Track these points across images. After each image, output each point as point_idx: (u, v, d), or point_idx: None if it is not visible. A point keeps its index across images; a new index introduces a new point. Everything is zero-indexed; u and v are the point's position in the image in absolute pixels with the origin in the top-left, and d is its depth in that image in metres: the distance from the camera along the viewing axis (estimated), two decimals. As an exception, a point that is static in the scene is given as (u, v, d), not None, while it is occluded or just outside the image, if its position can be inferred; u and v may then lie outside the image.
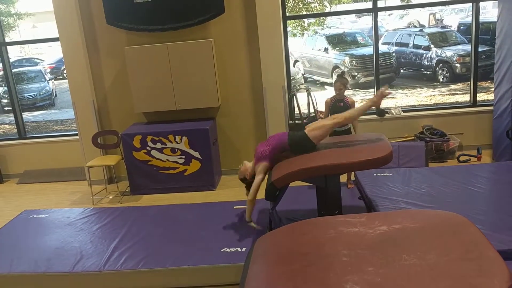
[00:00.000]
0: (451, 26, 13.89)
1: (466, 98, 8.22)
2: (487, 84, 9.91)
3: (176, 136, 5.91)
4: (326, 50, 12.03)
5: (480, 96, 7.95)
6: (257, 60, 6.10)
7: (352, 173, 5.33)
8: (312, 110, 6.43)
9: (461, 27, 12.33)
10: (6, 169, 7.19)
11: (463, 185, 4.74)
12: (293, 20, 11.99)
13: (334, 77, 11.44)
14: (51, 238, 4.59)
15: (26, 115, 12.20)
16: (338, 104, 5.19)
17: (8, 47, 7.27)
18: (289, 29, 6.53)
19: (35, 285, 3.96)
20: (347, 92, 5.31)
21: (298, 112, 6.47)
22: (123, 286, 3.88)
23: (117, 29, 6.16)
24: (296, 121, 6.41)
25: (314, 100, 6.41)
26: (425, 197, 4.48)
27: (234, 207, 4.96)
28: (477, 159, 6.08)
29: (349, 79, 11.16)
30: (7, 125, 12.11)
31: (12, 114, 7.36)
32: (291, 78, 6.74)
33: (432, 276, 2.09)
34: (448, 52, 10.87)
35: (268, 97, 6.13)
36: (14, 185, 6.98)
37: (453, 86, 10.83)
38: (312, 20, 12.66)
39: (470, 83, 6.60)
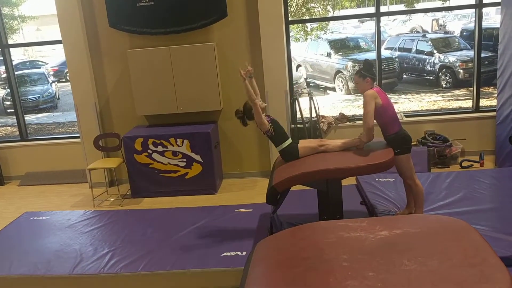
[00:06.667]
0: (454, 31, 13.89)
1: (469, 103, 8.19)
2: (490, 90, 9.88)
3: (178, 139, 5.90)
4: (328, 55, 12.04)
5: (483, 102, 7.93)
6: (259, 64, 6.09)
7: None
8: (314, 115, 6.42)
9: (464, 33, 12.33)
10: (8, 171, 7.19)
11: (466, 190, 4.72)
12: (296, 25, 12.02)
13: (337, 82, 11.50)
14: (51, 240, 4.58)
15: (29, 118, 12.23)
16: None
17: (12, 50, 7.28)
18: (292, 33, 6.56)
19: (34, 287, 3.95)
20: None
21: (300, 116, 6.46)
22: (123, 289, 3.88)
23: (120, 32, 6.17)
24: (298, 126, 6.39)
25: (316, 105, 6.40)
26: (427, 202, 4.47)
27: (235, 210, 4.96)
28: (480, 164, 6.05)
29: (351, 84, 11.16)
30: (9, 127, 12.13)
31: (14, 116, 7.37)
32: (294, 82, 6.73)
33: (433, 282, 2.07)
34: (451, 58, 10.85)
35: (271, 101, 6.11)
36: (16, 187, 6.97)
37: (456, 92, 10.80)
38: (315, 25, 12.69)
39: (473, 89, 6.58)
